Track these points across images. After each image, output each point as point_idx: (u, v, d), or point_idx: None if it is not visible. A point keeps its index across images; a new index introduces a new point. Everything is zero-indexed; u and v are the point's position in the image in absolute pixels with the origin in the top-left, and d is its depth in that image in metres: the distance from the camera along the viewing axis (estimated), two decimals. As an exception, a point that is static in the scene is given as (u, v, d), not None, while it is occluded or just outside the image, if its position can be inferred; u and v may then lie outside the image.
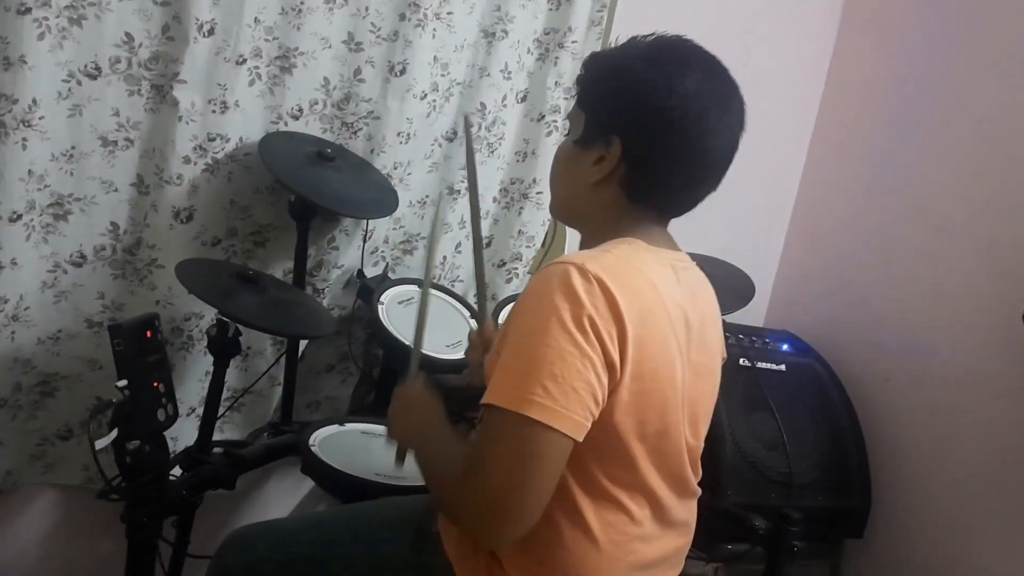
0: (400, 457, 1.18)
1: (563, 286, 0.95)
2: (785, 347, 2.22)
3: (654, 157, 1.05)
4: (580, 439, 0.94)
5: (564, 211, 1.18)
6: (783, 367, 2.13)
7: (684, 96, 1.02)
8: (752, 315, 2.32)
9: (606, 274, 0.96)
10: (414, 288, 1.90)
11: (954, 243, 2.05)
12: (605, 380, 0.95)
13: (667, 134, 1.03)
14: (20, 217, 1.52)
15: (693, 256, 1.15)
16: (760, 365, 2.09)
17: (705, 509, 1.22)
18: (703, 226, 1.38)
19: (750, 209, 2.42)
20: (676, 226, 1.15)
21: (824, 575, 2.20)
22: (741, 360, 2.08)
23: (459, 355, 1.76)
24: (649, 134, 1.04)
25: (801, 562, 1.70)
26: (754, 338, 2.19)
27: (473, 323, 1.91)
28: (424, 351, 1.70)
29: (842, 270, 2.37)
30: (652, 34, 1.08)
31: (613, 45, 1.12)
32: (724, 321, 2.09)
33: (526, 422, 0.92)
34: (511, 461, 0.93)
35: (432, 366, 1.74)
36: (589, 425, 0.95)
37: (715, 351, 1.16)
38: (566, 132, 1.18)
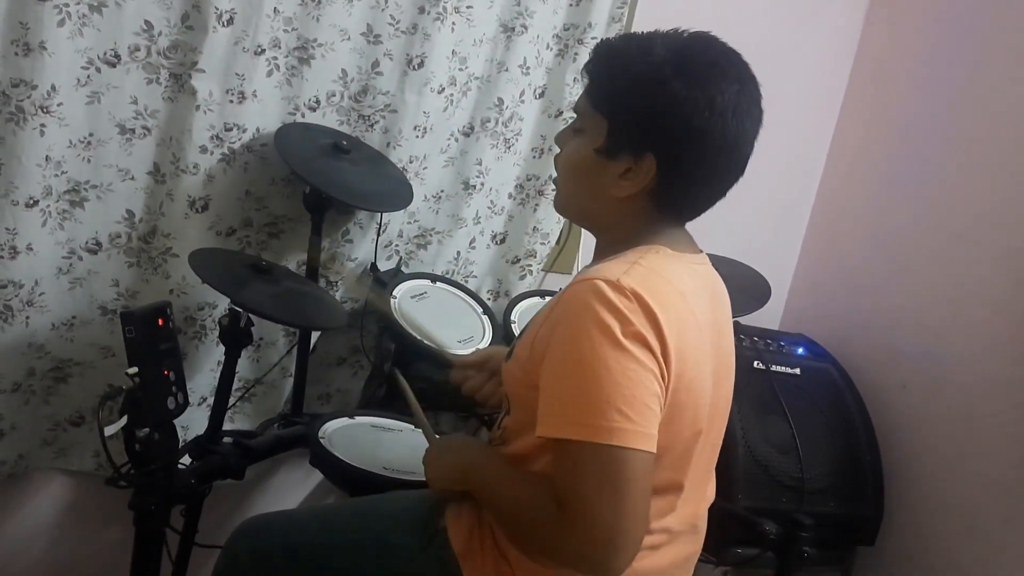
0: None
1: (603, 303, 0.94)
2: (800, 351, 2.20)
3: (689, 171, 1.04)
4: (655, 450, 0.93)
5: (582, 219, 1.16)
6: (798, 371, 2.11)
7: (724, 112, 1.00)
8: (768, 318, 2.30)
9: (642, 288, 0.95)
10: (427, 283, 1.90)
11: (974, 249, 2.02)
12: (664, 387, 0.95)
13: (706, 150, 1.02)
14: (37, 203, 1.53)
15: (710, 257, 1.14)
16: (775, 368, 2.07)
17: (715, 512, 1.21)
18: (721, 227, 1.37)
19: (768, 211, 2.40)
20: (693, 226, 1.13)
21: (835, 582, 2.18)
22: (755, 363, 2.05)
23: (471, 350, 1.75)
24: (687, 151, 1.02)
25: (811, 568, 1.69)
26: (769, 341, 2.17)
27: (485, 319, 1.90)
28: (434, 346, 1.72)
29: (860, 274, 2.34)
30: (677, 31, 1.05)
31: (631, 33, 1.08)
32: (739, 323, 2.09)
33: (612, 451, 0.90)
34: (608, 492, 0.91)
35: (443, 361, 1.74)
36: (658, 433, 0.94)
37: (732, 351, 1.16)
38: (576, 126, 1.10)
